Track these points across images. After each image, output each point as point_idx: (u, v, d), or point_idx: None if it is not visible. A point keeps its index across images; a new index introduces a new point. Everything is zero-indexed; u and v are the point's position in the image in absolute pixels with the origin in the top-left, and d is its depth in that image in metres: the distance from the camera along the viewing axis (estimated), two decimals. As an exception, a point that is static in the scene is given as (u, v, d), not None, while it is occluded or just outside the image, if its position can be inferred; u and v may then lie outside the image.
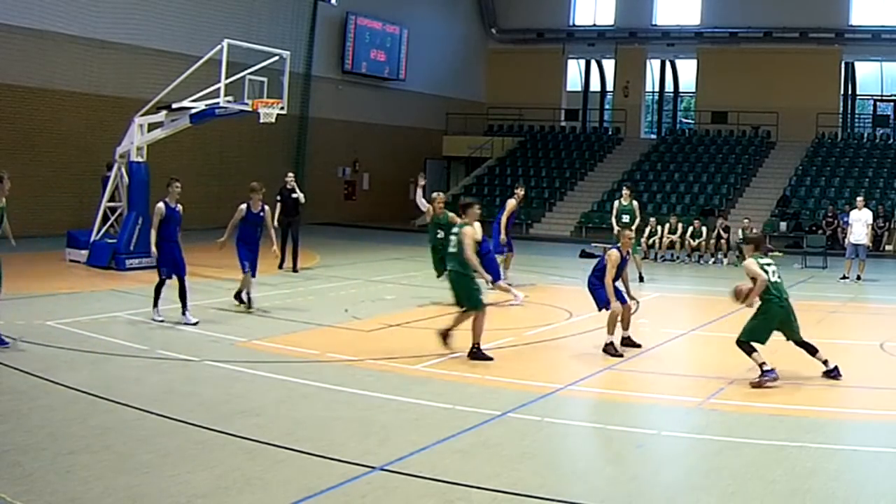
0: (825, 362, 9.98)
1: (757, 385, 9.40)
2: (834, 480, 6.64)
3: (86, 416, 7.66)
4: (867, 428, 8.14)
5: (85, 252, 17.86)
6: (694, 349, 12.30)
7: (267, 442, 7.07)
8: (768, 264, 9.99)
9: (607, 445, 7.66)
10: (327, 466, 6.60)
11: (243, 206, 13.26)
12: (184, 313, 12.03)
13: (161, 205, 12.19)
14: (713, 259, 23.71)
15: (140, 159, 17.83)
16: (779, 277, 9.95)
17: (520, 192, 17.79)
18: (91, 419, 7.56)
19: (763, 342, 9.74)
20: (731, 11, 35.43)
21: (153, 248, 12.09)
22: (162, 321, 12.01)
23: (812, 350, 9.96)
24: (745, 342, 9.73)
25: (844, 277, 19.74)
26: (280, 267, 18.07)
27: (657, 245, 24.12)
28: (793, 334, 9.99)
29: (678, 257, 23.96)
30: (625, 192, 20.01)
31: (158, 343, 10.65)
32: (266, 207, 13.41)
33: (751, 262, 9.95)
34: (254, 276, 13.27)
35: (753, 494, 6.26)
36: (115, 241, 17.82)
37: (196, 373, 9.47)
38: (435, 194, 15.15)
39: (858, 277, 19.61)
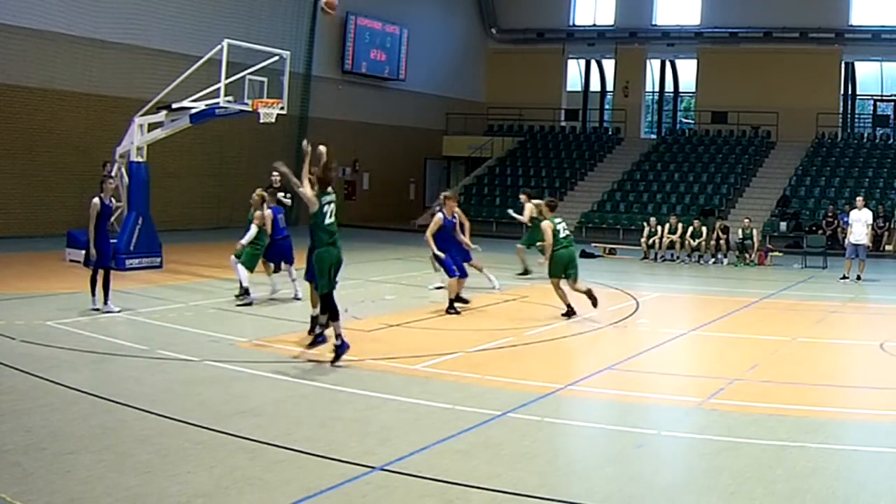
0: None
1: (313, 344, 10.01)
2: (834, 480, 6.64)
3: (86, 416, 7.66)
4: (867, 428, 8.13)
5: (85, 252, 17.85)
6: (694, 349, 12.29)
7: (267, 442, 7.07)
8: (329, 203, 10.08)
9: (607, 445, 7.66)
10: (327, 466, 6.60)
11: (440, 215, 14.25)
12: (106, 302, 12.53)
13: (97, 200, 12.56)
14: (713, 259, 23.71)
15: (140, 159, 17.82)
16: (334, 217, 10.06)
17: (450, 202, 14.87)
18: (91, 419, 7.56)
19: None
20: (731, 11, 35.44)
21: (93, 245, 12.41)
22: (98, 309, 12.47)
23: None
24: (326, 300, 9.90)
25: (844, 277, 19.75)
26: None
27: (657, 245, 24.12)
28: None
29: (678, 257, 23.96)
30: (521, 197, 19.36)
31: (158, 343, 10.65)
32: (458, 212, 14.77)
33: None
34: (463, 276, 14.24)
35: (753, 494, 6.26)
36: (114, 241, 17.78)
37: (196, 373, 9.46)
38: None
39: (858, 277, 19.63)
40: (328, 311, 9.83)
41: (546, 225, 13.62)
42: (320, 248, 9.91)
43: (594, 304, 13.49)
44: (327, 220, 9.86)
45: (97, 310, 12.47)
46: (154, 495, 5.94)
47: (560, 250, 13.51)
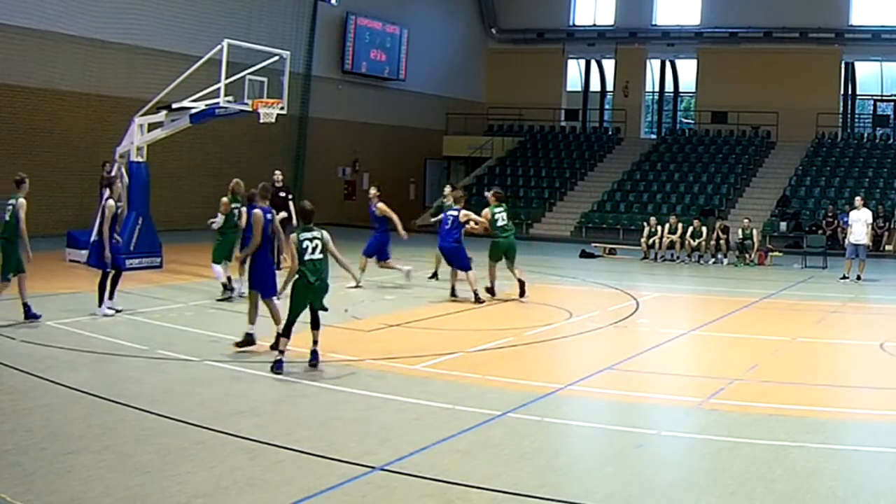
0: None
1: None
2: (834, 480, 6.64)
3: (86, 416, 7.66)
4: (867, 428, 8.14)
5: (85, 252, 17.74)
6: (694, 349, 12.30)
7: (267, 442, 7.08)
8: (311, 238, 9.59)
9: (607, 445, 7.66)
10: (327, 466, 6.60)
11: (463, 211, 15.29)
12: (111, 298, 12.51)
13: (112, 203, 12.47)
14: (713, 259, 23.71)
15: (140, 159, 17.82)
16: (321, 254, 9.59)
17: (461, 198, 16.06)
18: (91, 419, 7.56)
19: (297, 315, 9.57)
20: (731, 11, 35.43)
21: (108, 249, 12.26)
22: (121, 310, 12.55)
23: None
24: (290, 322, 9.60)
25: (844, 277, 19.75)
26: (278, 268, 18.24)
27: (657, 245, 24.12)
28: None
29: (678, 257, 23.96)
30: (446, 189, 17.78)
31: (158, 343, 10.65)
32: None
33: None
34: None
35: (753, 494, 6.26)
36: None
37: (196, 373, 9.46)
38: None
39: (858, 277, 19.62)
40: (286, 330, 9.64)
41: (485, 211, 15.18)
42: (299, 280, 9.57)
43: (522, 293, 15.10)
44: (307, 256, 9.51)
45: (114, 312, 12.44)
46: (154, 495, 5.94)
47: (499, 239, 15.10)
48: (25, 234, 11.51)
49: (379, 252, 16.47)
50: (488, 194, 15.94)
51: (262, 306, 10.57)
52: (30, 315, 11.63)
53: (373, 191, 16.95)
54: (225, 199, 14.34)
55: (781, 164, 33.04)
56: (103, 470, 6.34)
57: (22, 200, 11.60)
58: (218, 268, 14.16)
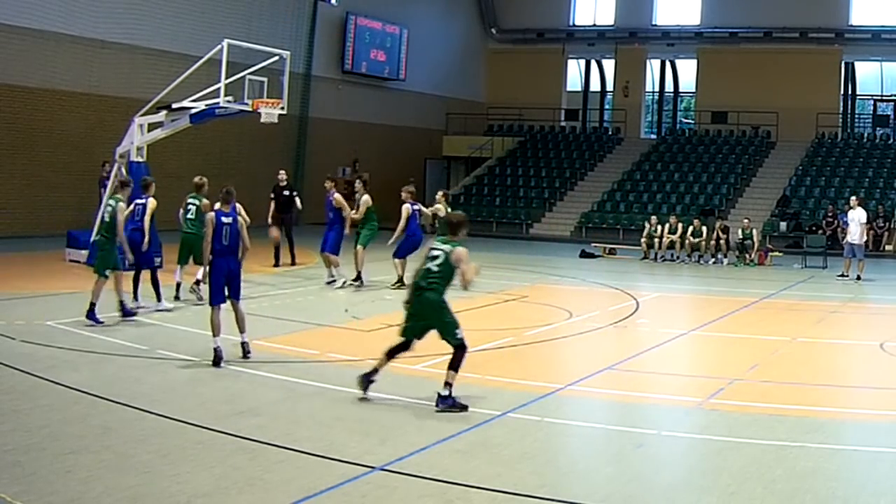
0: None
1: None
2: (834, 480, 6.64)
3: (86, 416, 7.67)
4: (867, 428, 8.15)
5: (85, 252, 17.80)
6: (694, 349, 12.30)
7: (267, 442, 7.08)
8: (437, 248, 8.57)
9: (607, 445, 7.67)
10: (327, 466, 6.60)
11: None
12: (135, 298, 12.86)
13: (153, 200, 13.04)
14: (713, 259, 23.71)
15: (140, 159, 17.81)
16: (437, 267, 8.48)
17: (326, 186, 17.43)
18: (91, 419, 7.56)
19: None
20: (731, 11, 35.43)
21: (148, 243, 12.93)
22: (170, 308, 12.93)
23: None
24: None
25: (843, 276, 19.78)
26: (276, 265, 18.38)
27: (657, 245, 24.11)
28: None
29: (678, 257, 23.96)
30: (357, 185, 18.03)
31: (158, 343, 10.65)
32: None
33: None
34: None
35: (753, 494, 6.26)
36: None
37: (196, 373, 9.47)
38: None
39: (858, 277, 19.63)
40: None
41: (432, 208, 16.80)
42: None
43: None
44: (426, 264, 8.54)
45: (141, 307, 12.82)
46: (154, 495, 5.94)
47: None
48: (122, 234, 12.04)
49: (333, 245, 16.51)
50: (438, 195, 18.33)
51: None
52: (126, 313, 12.01)
53: (328, 184, 17.26)
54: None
55: (781, 164, 33.04)
56: (103, 470, 6.34)
57: (122, 205, 12.09)
58: (177, 269, 14.19)
